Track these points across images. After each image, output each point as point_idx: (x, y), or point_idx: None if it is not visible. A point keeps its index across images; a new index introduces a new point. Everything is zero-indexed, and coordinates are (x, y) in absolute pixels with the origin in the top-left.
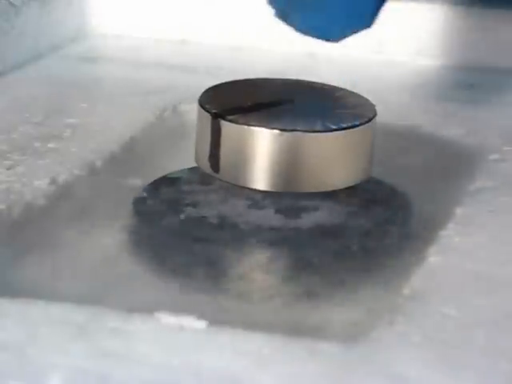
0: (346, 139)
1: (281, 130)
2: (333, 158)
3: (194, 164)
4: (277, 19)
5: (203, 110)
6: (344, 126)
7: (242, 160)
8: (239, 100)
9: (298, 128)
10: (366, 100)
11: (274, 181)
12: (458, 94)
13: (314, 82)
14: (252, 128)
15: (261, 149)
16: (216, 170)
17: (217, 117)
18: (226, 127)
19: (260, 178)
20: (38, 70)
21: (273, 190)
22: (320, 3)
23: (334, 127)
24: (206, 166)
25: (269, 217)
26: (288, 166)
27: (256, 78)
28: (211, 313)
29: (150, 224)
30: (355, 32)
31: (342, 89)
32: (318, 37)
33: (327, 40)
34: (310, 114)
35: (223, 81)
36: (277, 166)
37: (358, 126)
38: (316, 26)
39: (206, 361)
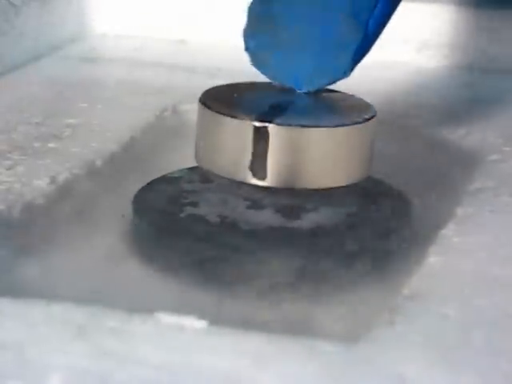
0: (345, 138)
1: (281, 125)
2: (333, 155)
3: (193, 164)
4: (252, 65)
5: (205, 108)
6: (344, 124)
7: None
8: (240, 99)
9: (299, 123)
10: (366, 102)
11: (273, 177)
12: (457, 94)
13: None
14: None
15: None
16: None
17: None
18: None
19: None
20: (37, 70)
21: (272, 185)
22: (294, 56)
23: (334, 124)
24: (206, 164)
25: (268, 216)
26: (288, 161)
27: (256, 81)
28: (211, 313)
29: (149, 223)
30: (330, 83)
31: (341, 92)
32: (292, 86)
33: (300, 90)
34: (310, 114)
35: (223, 81)
36: (277, 162)
37: (359, 123)
38: (289, 76)
39: (206, 361)
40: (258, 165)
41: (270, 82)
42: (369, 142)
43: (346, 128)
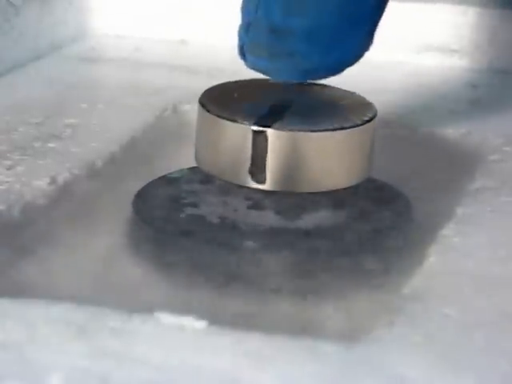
0: (346, 139)
1: (281, 129)
2: (333, 157)
3: (193, 164)
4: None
5: (205, 111)
6: (344, 125)
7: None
8: (241, 101)
9: (298, 128)
10: (367, 100)
11: (273, 180)
12: (458, 94)
13: (313, 83)
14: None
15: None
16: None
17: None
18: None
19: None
20: (37, 70)
21: (272, 189)
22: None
23: (333, 127)
24: (206, 167)
25: (269, 217)
26: (288, 165)
27: (256, 78)
28: (211, 313)
29: (149, 224)
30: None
31: (341, 89)
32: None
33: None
34: (310, 114)
35: (223, 81)
36: (276, 166)
37: (358, 125)
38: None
39: (206, 361)
40: (257, 168)
41: (269, 79)
42: (369, 143)
43: (345, 131)
